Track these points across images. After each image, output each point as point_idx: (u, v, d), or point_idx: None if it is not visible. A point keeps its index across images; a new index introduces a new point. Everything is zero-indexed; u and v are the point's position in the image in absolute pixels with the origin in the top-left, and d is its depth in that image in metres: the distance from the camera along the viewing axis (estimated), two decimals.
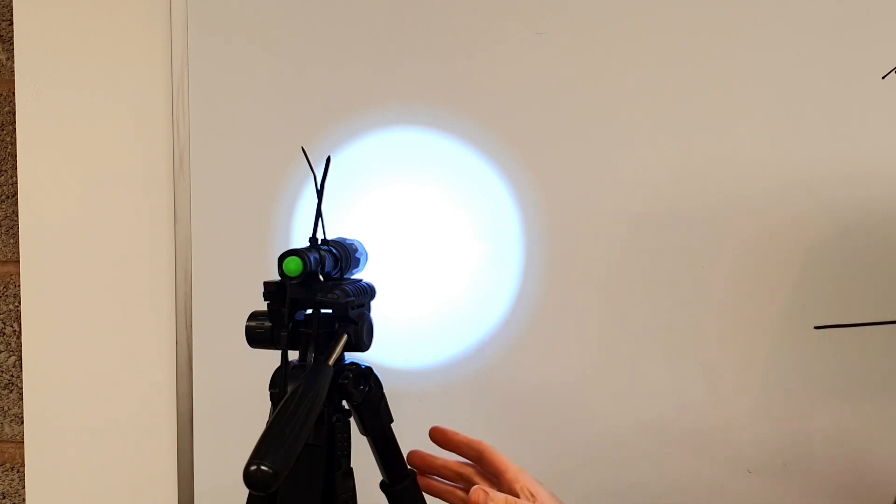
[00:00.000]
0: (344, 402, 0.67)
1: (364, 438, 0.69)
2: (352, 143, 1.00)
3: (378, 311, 0.70)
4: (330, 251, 0.66)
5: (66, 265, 1.11)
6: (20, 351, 1.14)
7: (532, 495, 0.65)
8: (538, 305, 0.97)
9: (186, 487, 1.08)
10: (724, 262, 0.93)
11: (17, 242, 1.13)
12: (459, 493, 0.71)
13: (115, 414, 1.11)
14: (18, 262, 1.13)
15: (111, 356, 1.11)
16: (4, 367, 1.16)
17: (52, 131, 1.10)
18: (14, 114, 1.11)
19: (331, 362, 0.61)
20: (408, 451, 0.72)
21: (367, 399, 0.67)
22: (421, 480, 0.71)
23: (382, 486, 0.72)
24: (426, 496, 0.70)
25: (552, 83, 0.95)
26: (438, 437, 0.72)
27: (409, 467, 0.72)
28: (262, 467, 0.47)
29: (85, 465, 1.12)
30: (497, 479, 0.69)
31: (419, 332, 0.99)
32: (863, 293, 0.90)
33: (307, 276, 0.61)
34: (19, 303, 1.14)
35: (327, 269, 0.65)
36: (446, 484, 0.72)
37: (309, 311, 0.65)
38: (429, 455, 0.73)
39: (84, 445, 1.12)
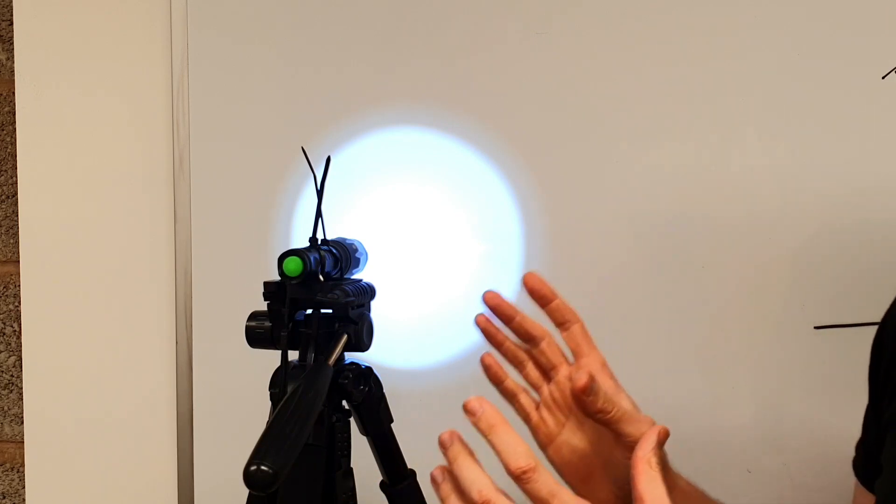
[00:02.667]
0: (344, 402, 0.67)
1: (364, 438, 0.69)
2: (352, 143, 1.00)
3: (378, 311, 0.70)
4: (330, 251, 0.66)
5: (66, 265, 1.11)
6: (20, 351, 1.14)
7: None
8: (537, 305, 0.96)
9: (186, 487, 1.08)
10: (724, 262, 0.93)
11: (17, 242, 1.13)
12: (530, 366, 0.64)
13: (116, 414, 1.11)
14: (18, 262, 1.13)
15: (111, 356, 1.11)
16: (4, 367, 1.16)
17: (52, 131, 1.10)
18: (14, 114, 1.11)
19: (331, 362, 0.61)
20: (408, 449, 0.72)
21: (367, 399, 0.67)
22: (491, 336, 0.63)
23: (382, 486, 0.72)
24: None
25: (552, 83, 0.95)
26: (534, 281, 0.63)
27: (408, 467, 0.72)
28: (263, 467, 0.47)
29: (85, 466, 1.12)
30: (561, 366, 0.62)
31: (419, 332, 0.99)
32: (863, 293, 0.90)
33: (307, 276, 0.62)
34: (19, 303, 1.14)
35: (327, 269, 0.65)
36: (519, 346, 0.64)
37: (309, 311, 0.65)
38: (506, 303, 0.63)
39: (84, 445, 1.12)
